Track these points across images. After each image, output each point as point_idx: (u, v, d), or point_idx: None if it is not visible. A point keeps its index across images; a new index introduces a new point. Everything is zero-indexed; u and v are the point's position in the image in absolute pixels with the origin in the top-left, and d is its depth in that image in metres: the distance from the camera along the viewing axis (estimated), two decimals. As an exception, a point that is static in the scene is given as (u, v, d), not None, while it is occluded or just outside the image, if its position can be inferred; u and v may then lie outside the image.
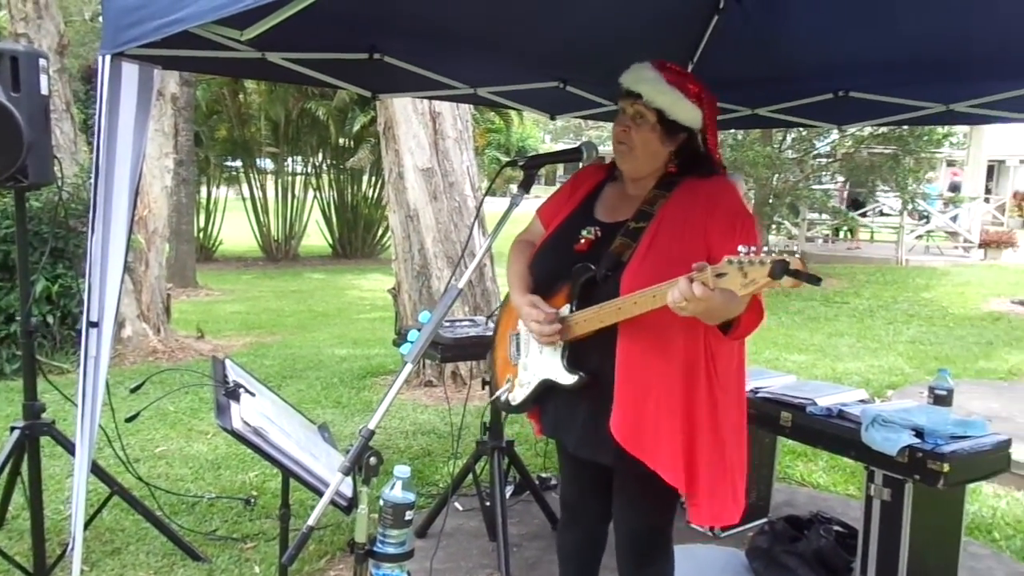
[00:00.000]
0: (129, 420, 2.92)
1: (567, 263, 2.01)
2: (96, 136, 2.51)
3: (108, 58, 2.40)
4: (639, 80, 1.98)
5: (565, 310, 1.99)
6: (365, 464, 1.67)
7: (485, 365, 2.92)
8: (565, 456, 2.27)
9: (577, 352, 1.99)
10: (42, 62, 2.87)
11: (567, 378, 1.99)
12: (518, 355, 2.17)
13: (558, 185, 2.42)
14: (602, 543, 2.33)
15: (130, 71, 2.53)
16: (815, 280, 1.56)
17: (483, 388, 3.26)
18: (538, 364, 2.08)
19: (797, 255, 1.53)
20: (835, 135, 12.94)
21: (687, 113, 1.98)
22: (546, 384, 2.06)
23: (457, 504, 3.66)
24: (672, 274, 1.70)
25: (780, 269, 1.52)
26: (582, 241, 2.03)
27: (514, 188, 2.05)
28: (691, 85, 2.00)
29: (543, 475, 3.93)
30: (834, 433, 2.94)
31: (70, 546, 2.91)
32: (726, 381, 1.99)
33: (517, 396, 2.17)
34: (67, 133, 6.81)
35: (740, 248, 1.57)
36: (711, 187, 2.00)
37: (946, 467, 2.57)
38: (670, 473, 1.91)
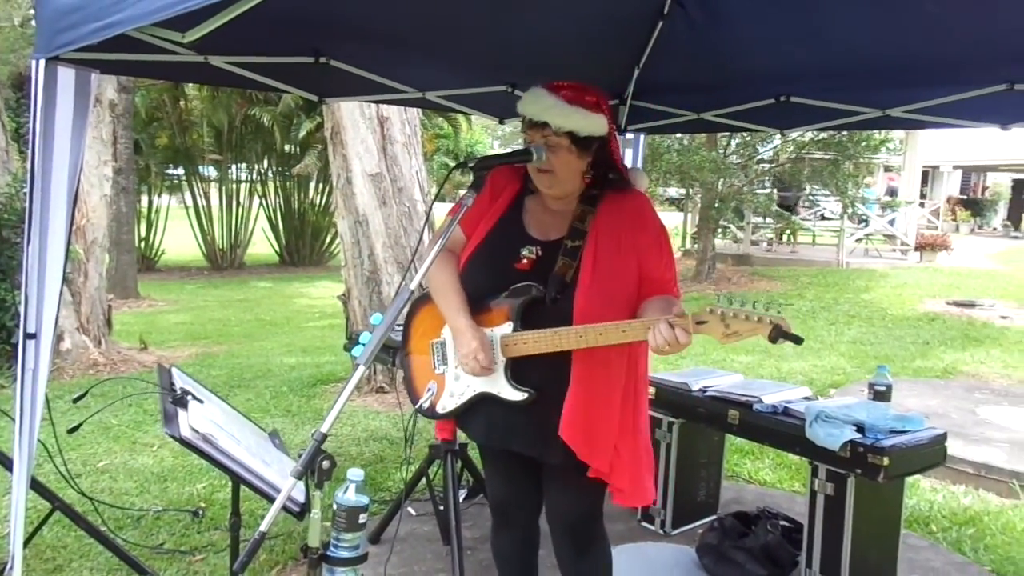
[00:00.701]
0: (71, 431, 2.84)
1: (507, 281, 2.03)
2: (31, 143, 2.44)
3: (43, 62, 2.34)
4: (542, 110, 2.00)
5: (507, 328, 2.00)
6: (318, 468, 1.66)
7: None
8: (492, 458, 2.29)
9: (520, 367, 2.01)
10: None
11: (515, 395, 2.01)
12: (444, 364, 2.15)
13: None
14: (537, 540, 2.38)
15: (66, 76, 2.46)
16: (798, 340, 1.69)
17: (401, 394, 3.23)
18: (475, 378, 2.07)
19: (781, 314, 1.65)
20: (778, 140, 13.27)
21: (595, 125, 2.02)
22: (484, 396, 2.07)
23: (410, 509, 3.64)
24: (616, 294, 1.85)
25: (778, 334, 1.66)
26: (524, 261, 2.04)
27: (463, 193, 2.05)
28: (588, 96, 2.03)
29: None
30: (780, 430, 3.01)
31: (8, 565, 2.81)
32: (643, 378, 2.14)
33: (447, 405, 2.15)
34: (-1, 141, 6.60)
35: (721, 296, 1.71)
36: (633, 203, 2.10)
37: (886, 461, 2.65)
38: (602, 465, 2.02)
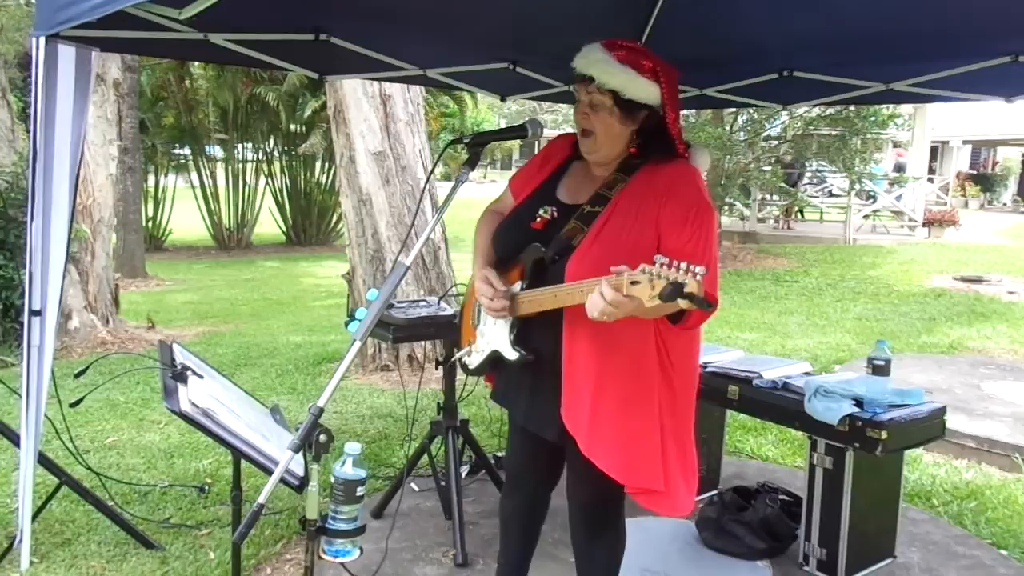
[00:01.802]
0: (73, 405, 2.87)
1: (523, 240, 2.03)
2: (32, 121, 2.46)
3: (43, 40, 2.36)
4: (589, 63, 1.95)
5: (517, 287, 2.02)
6: (315, 441, 1.68)
7: (439, 346, 2.94)
8: (514, 425, 2.30)
9: (525, 330, 2.03)
10: (-26, 45, 2.78)
11: (511, 353, 2.03)
12: (478, 322, 2.21)
13: (514, 169, 2.44)
14: (543, 509, 2.38)
15: (66, 53, 2.48)
16: (707, 305, 1.54)
17: (436, 369, 3.27)
18: (492, 334, 2.12)
19: (698, 276, 1.48)
20: (785, 117, 13.17)
21: (643, 90, 1.93)
22: (495, 355, 2.10)
23: (413, 485, 3.68)
24: (616, 261, 1.68)
25: (672, 292, 1.49)
26: (538, 220, 2.04)
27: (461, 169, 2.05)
28: (645, 61, 1.95)
29: (498, 454, 3.96)
30: (779, 405, 3.02)
31: (18, 538, 2.87)
32: (683, 370, 1.99)
33: (474, 360, 2.22)
34: (3, 121, 6.63)
35: (656, 257, 1.55)
36: (671, 173, 1.96)
37: (884, 434, 2.66)
38: (608, 464, 1.93)
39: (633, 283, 1.59)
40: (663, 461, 1.94)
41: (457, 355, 2.32)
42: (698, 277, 1.48)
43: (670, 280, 1.50)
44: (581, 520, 2.21)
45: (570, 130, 2.22)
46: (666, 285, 1.50)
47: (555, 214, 2.03)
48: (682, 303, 1.51)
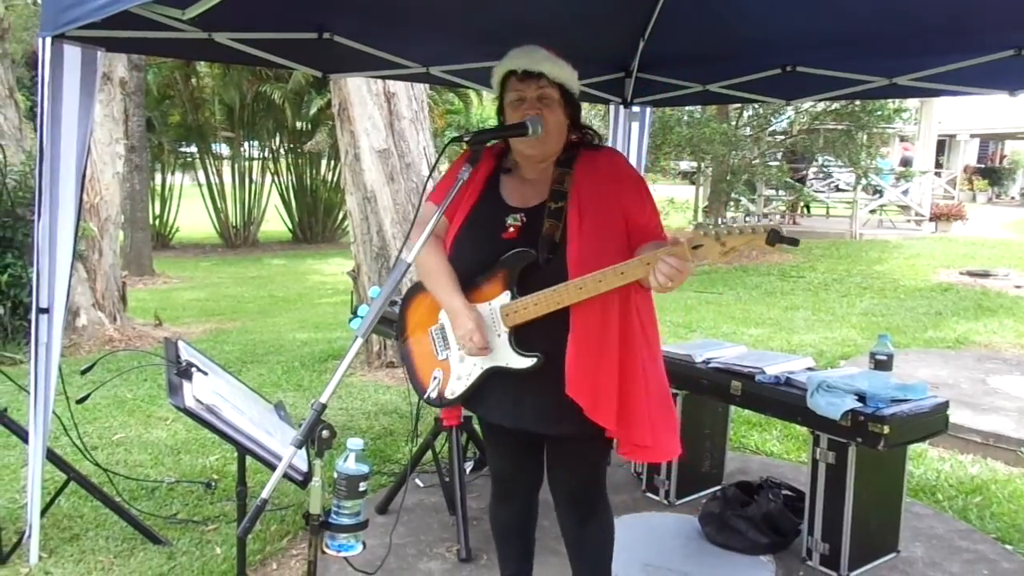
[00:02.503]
0: (80, 401, 2.91)
1: (495, 252, 2.03)
2: (39, 120, 2.48)
3: (49, 40, 2.38)
4: (537, 60, 2.02)
5: (506, 298, 2.01)
6: (318, 437, 1.70)
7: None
8: (494, 433, 2.28)
9: (523, 335, 2.02)
10: (-19, 46, 2.81)
11: (523, 362, 2.01)
12: (447, 349, 2.15)
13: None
14: (535, 513, 2.41)
15: (72, 53, 2.50)
16: (795, 243, 1.74)
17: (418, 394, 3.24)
18: (480, 356, 2.07)
19: (774, 222, 1.69)
20: (791, 112, 13.15)
21: (575, 82, 2.08)
22: (493, 371, 2.07)
23: (418, 481, 3.70)
24: (607, 245, 1.78)
25: (776, 237, 1.69)
26: (511, 229, 2.04)
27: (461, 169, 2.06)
28: (561, 56, 2.07)
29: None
30: (782, 400, 3.02)
31: (27, 533, 2.90)
32: (654, 330, 2.13)
33: (455, 389, 2.14)
34: (11, 120, 6.65)
35: (707, 220, 1.71)
36: (606, 159, 2.12)
37: (886, 429, 2.67)
38: (607, 420, 1.99)
39: (696, 247, 1.75)
40: (649, 415, 2.03)
41: (428, 392, 2.17)
42: (773, 222, 1.70)
43: (765, 228, 1.70)
44: (568, 507, 2.24)
45: None
46: (770, 232, 1.69)
47: (524, 219, 2.05)
48: (781, 245, 1.71)
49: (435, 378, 2.16)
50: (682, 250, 1.75)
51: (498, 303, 2.02)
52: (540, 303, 1.95)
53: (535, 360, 2.00)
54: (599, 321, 1.96)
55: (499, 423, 2.16)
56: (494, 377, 2.08)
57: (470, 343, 2.01)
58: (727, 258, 1.73)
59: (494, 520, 2.45)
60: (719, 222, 1.70)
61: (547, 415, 2.06)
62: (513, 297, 2.00)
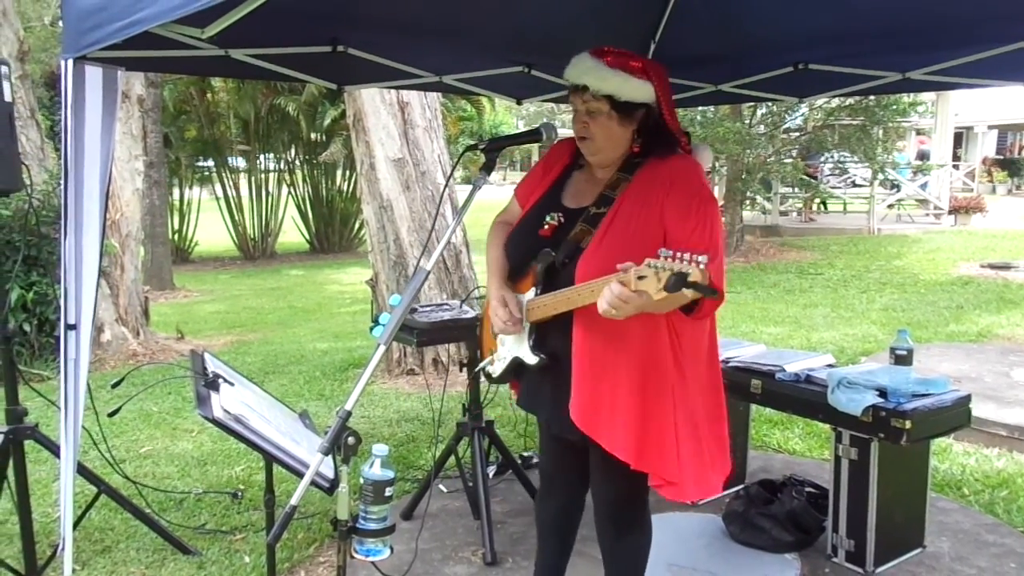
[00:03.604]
0: (111, 415, 2.96)
1: (533, 248, 2.07)
2: (63, 140, 2.53)
3: (71, 62, 2.42)
4: (581, 72, 2.00)
5: (531, 294, 2.07)
6: (343, 444, 1.73)
7: (463, 348, 3.01)
8: (543, 430, 2.35)
9: (542, 334, 2.08)
10: (3, 69, 2.87)
11: (531, 358, 2.08)
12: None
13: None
14: (579, 512, 2.40)
15: (94, 74, 2.55)
16: (712, 293, 1.58)
17: (461, 371, 3.32)
18: (511, 342, 2.17)
19: (701, 265, 1.53)
20: (804, 109, 13.08)
21: (637, 91, 1.99)
22: (516, 361, 2.15)
23: (441, 486, 3.72)
24: (626, 259, 1.72)
25: (677, 283, 1.54)
26: (546, 227, 2.09)
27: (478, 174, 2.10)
28: (633, 62, 2.00)
29: (524, 454, 4.00)
30: (802, 397, 3.02)
31: (60, 546, 2.94)
32: (695, 357, 2.03)
33: (497, 369, 2.27)
34: (33, 140, 6.77)
35: (660, 251, 1.60)
36: (672, 167, 2.01)
37: (908, 424, 2.66)
38: (626, 454, 1.96)
39: (640, 278, 1.64)
40: (677, 449, 1.97)
41: (481, 365, 2.36)
42: (701, 266, 1.53)
43: (674, 271, 1.55)
44: (607, 518, 2.23)
45: None
46: (670, 276, 1.55)
47: (562, 219, 2.07)
48: (688, 292, 1.56)
49: (491, 353, 2.29)
50: (628, 278, 1.67)
51: (526, 297, 2.09)
52: (549, 305, 2.00)
53: (538, 359, 2.06)
54: (597, 334, 1.95)
55: (528, 409, 2.30)
56: (530, 372, 2.13)
57: (495, 318, 2.10)
58: (662, 296, 1.60)
59: (536, 513, 2.49)
60: (665, 256, 1.58)
61: (555, 416, 2.10)
62: (536, 294, 2.05)
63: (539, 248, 2.05)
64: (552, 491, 2.40)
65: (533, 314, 2.05)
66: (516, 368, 2.18)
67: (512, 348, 2.16)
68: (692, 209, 1.93)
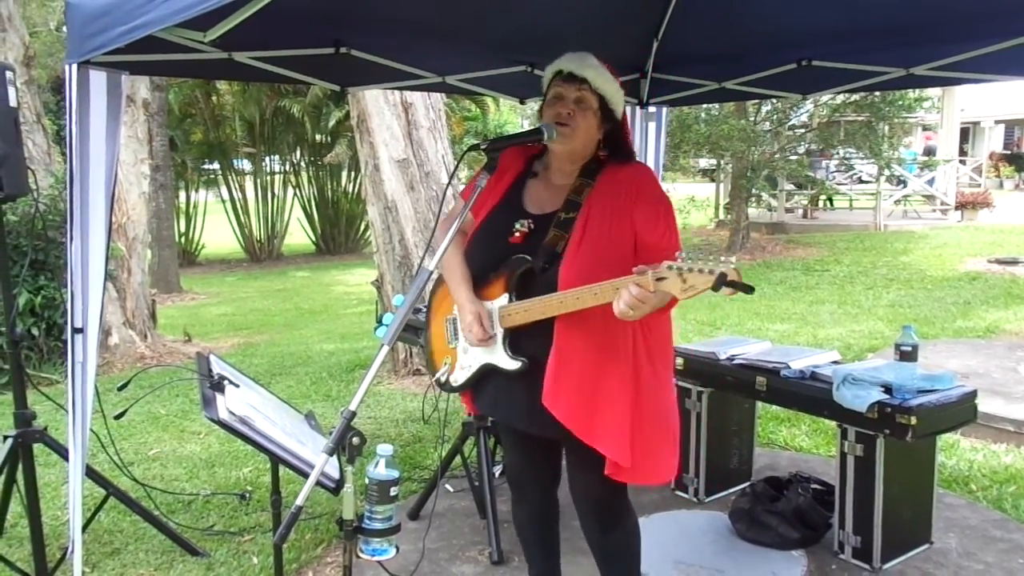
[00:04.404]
0: (117, 417, 2.98)
1: (502, 255, 2.09)
2: (68, 145, 2.55)
3: (75, 67, 2.44)
4: (585, 66, 2.08)
5: (504, 300, 2.07)
6: (348, 444, 1.73)
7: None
8: (510, 434, 2.35)
9: (516, 338, 2.08)
10: (8, 74, 2.89)
11: (510, 364, 2.07)
12: (456, 339, 2.24)
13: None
14: (554, 513, 2.42)
15: (98, 78, 2.56)
16: (749, 290, 1.65)
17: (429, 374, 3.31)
18: (479, 350, 2.15)
19: (733, 265, 1.63)
20: (810, 105, 13.05)
21: (619, 103, 2.13)
22: (487, 368, 2.14)
23: (448, 486, 3.73)
24: (605, 262, 1.80)
25: (721, 282, 1.62)
26: (516, 234, 2.10)
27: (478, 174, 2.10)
28: (618, 78, 2.13)
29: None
30: (807, 394, 3.02)
31: (70, 549, 2.96)
32: (662, 347, 2.13)
33: (458, 378, 2.23)
34: (40, 145, 6.80)
35: (679, 254, 1.69)
36: (632, 173, 2.12)
37: (914, 420, 2.66)
38: (611, 444, 1.99)
39: (660, 279, 1.72)
40: (632, 434, 2.01)
41: (437, 375, 2.29)
42: (732, 265, 1.62)
43: (715, 272, 1.63)
44: (590, 515, 2.25)
45: None
46: (717, 277, 1.62)
47: (531, 226, 2.09)
48: (726, 291, 1.63)
49: (445, 363, 2.27)
50: (646, 280, 1.74)
51: (497, 304, 2.09)
52: (530, 310, 2.01)
53: (520, 364, 2.06)
54: (582, 335, 1.98)
55: (494, 417, 2.30)
56: (499, 377, 2.12)
57: (470, 334, 2.09)
58: (687, 295, 1.68)
59: (513, 520, 2.48)
60: (687, 257, 1.67)
61: (532, 415, 2.09)
62: (511, 300, 2.06)
63: (508, 255, 2.08)
64: (523, 495, 2.40)
65: (509, 320, 2.06)
66: (481, 375, 2.17)
67: (480, 356, 2.15)
68: (660, 215, 2.06)
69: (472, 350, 2.16)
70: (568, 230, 2.03)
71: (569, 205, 2.07)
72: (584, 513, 2.24)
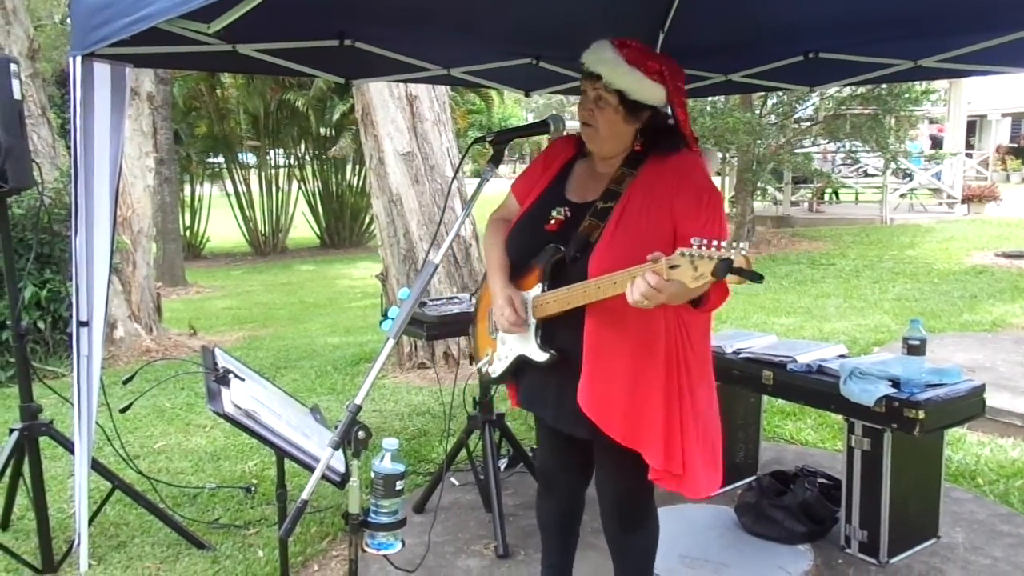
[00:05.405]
0: (123, 411, 2.98)
1: (538, 243, 2.05)
2: (72, 138, 2.55)
3: (79, 59, 2.43)
4: (598, 61, 1.98)
5: (537, 290, 2.04)
6: (354, 438, 1.73)
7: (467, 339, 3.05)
8: (543, 428, 2.33)
9: (549, 330, 2.05)
10: (13, 67, 2.88)
11: (540, 355, 2.05)
12: (496, 330, 2.22)
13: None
14: (580, 509, 2.40)
15: (102, 71, 2.56)
16: (757, 277, 1.57)
17: (471, 364, 3.32)
18: (514, 340, 2.13)
19: (743, 251, 1.54)
20: (816, 98, 12.99)
21: (648, 92, 1.97)
22: (521, 359, 2.12)
23: (453, 480, 3.73)
24: (638, 254, 1.72)
25: (723, 269, 1.54)
26: (552, 222, 2.06)
27: (485, 167, 2.09)
28: (652, 63, 1.98)
29: (535, 447, 4.00)
30: (814, 388, 3.01)
31: (76, 542, 2.97)
32: (701, 350, 2.04)
33: (496, 368, 2.23)
34: (45, 138, 6.80)
35: (693, 240, 1.59)
36: (677, 163, 2.00)
37: (921, 414, 2.65)
38: (647, 448, 1.96)
39: (673, 267, 1.64)
40: (682, 443, 1.97)
41: (478, 365, 2.32)
42: (743, 252, 1.54)
43: (720, 258, 1.55)
44: (613, 514, 2.22)
45: None
46: (718, 263, 1.54)
47: (568, 214, 2.05)
48: (732, 278, 1.56)
49: (487, 354, 2.26)
50: (660, 268, 1.66)
51: (531, 294, 2.06)
52: (558, 300, 1.97)
53: (549, 356, 2.03)
54: (613, 331, 1.94)
55: (529, 409, 2.26)
56: (533, 370, 2.11)
57: (502, 319, 2.06)
58: (697, 283, 1.60)
59: (537, 513, 2.47)
60: (700, 244, 1.58)
61: (562, 414, 2.08)
62: (543, 290, 2.03)
63: (544, 243, 2.04)
64: (553, 489, 2.39)
65: (541, 310, 2.03)
66: (518, 367, 2.15)
67: (515, 346, 2.13)
68: (703, 205, 1.94)
69: (509, 340, 2.15)
70: (604, 219, 1.98)
71: (608, 195, 2.01)
72: (607, 512, 2.22)
